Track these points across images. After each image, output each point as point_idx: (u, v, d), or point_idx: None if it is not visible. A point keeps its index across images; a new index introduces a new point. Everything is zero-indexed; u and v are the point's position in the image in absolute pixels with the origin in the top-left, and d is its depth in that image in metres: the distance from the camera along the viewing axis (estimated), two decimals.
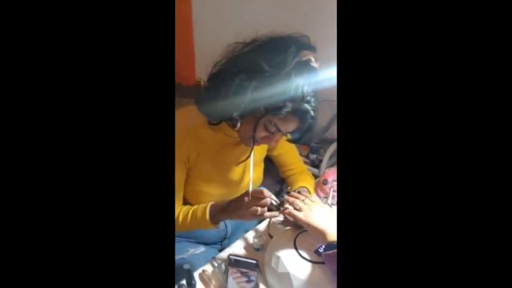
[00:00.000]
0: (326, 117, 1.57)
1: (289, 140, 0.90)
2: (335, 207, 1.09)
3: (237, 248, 0.89)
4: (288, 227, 0.83)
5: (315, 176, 1.22)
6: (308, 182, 1.08)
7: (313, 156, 1.57)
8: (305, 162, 1.55)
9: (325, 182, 1.14)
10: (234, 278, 0.73)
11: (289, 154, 1.10)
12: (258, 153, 1.00)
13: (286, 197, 0.80)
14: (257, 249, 0.86)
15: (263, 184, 1.11)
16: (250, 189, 0.75)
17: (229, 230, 1.09)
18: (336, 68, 0.42)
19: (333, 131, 1.54)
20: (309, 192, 0.99)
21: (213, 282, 0.75)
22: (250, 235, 0.92)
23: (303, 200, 0.78)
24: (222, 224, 1.07)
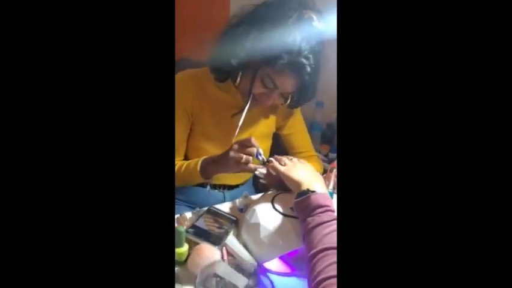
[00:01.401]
0: None
1: (290, 106, 0.90)
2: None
3: (223, 207, 0.88)
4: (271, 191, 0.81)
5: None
6: (313, 167, 1.05)
7: (332, 156, 1.53)
8: (323, 161, 1.50)
9: (332, 170, 1.10)
10: (205, 221, 0.73)
11: (299, 135, 1.09)
12: (264, 126, 1.01)
13: (275, 156, 0.80)
14: (240, 210, 0.85)
15: None
16: (236, 133, 0.76)
17: (228, 199, 1.09)
18: (337, 68, 0.41)
19: None
20: None
21: (187, 223, 0.75)
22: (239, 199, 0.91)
23: (291, 160, 0.77)
24: (220, 193, 1.08)
